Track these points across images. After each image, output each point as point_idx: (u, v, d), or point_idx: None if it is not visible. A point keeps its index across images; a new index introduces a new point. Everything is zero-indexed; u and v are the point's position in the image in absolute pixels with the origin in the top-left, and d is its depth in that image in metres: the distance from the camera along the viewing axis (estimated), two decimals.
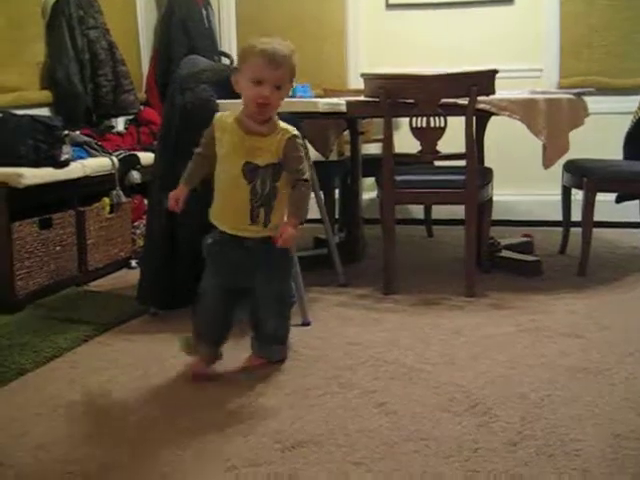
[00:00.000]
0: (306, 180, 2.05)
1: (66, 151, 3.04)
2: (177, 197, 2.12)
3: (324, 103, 2.75)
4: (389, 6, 4.82)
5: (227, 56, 4.66)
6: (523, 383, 2.06)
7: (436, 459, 1.64)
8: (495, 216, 4.27)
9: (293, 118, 2.95)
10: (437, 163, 3.49)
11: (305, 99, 3.02)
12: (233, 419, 1.87)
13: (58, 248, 3.05)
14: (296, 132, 2.08)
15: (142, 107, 4.25)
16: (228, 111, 2.13)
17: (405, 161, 3.20)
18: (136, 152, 3.66)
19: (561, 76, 4.59)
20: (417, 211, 4.48)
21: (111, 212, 3.41)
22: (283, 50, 2.00)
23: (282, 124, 2.08)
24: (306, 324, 2.60)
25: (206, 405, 1.96)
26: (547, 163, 2.93)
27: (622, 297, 2.96)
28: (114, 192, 3.40)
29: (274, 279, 2.16)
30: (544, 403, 1.92)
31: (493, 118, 3.09)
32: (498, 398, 1.96)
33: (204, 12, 4.70)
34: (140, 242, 3.55)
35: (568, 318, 2.66)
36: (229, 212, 2.09)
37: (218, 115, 2.13)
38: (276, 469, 1.61)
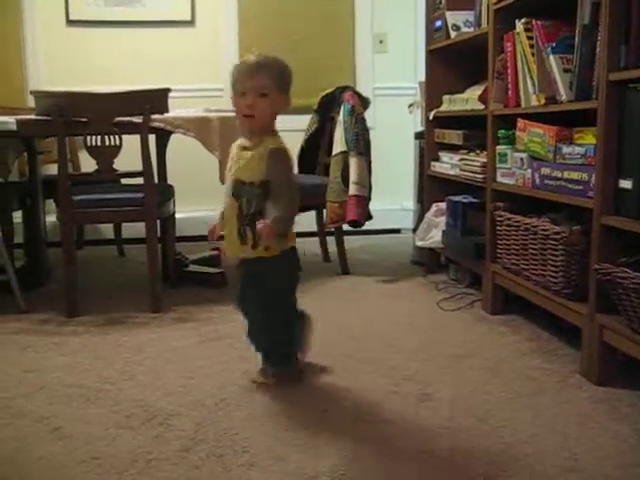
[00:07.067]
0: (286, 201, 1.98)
1: None
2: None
3: None
4: (70, 22, 4.70)
5: None
6: (200, 391, 2.13)
7: (109, 476, 1.64)
8: (187, 232, 4.38)
9: None
10: (124, 181, 3.48)
11: None
12: None
13: None
14: (281, 145, 2.02)
15: None
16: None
17: (89, 180, 3.14)
18: None
19: None
20: (108, 231, 4.42)
21: None
22: (263, 60, 2.00)
23: (272, 139, 2.01)
24: None
25: None
26: (223, 178, 3.01)
27: None
28: None
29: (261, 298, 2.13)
30: (219, 408, 2.01)
31: (176, 136, 3.12)
32: (175, 408, 2.01)
33: None
34: None
35: None
36: (227, 233, 2.09)
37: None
38: None
